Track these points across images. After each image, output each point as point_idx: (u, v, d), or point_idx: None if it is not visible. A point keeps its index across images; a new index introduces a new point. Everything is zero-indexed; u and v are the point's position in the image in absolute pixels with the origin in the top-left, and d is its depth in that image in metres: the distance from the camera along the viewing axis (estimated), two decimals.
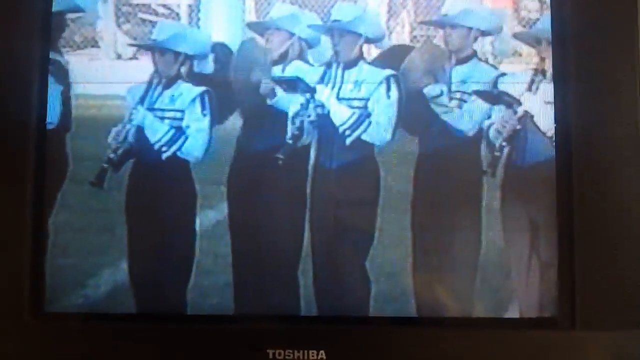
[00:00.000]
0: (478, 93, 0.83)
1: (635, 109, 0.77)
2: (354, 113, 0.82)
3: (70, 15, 0.81)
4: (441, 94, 0.82)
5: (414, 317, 0.79)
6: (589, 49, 0.78)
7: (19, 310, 0.76)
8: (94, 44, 0.82)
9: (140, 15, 0.82)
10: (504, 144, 0.82)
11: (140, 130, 0.81)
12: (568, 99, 0.79)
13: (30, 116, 0.78)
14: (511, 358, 0.71)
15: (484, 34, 0.83)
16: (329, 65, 0.82)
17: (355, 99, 0.82)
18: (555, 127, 0.80)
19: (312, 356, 0.74)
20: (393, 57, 0.83)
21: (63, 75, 0.81)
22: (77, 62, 0.81)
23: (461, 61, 0.83)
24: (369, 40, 0.83)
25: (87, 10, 0.82)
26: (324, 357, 0.74)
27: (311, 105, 0.81)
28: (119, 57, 0.82)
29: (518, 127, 0.82)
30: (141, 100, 0.81)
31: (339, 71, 0.82)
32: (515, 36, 0.83)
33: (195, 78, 0.82)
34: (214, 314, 0.80)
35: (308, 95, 0.81)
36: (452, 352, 0.73)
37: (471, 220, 0.81)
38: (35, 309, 0.77)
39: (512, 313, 0.77)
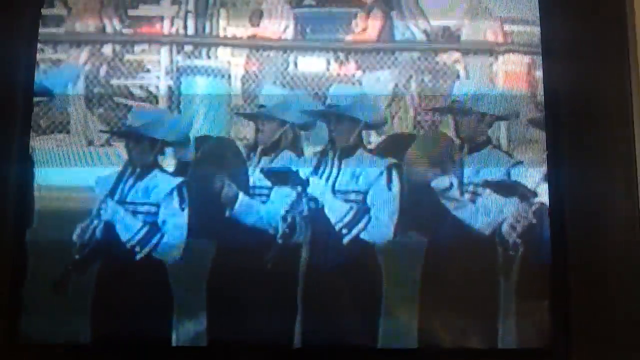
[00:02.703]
0: (491, 185, 0.74)
1: None
2: (351, 208, 0.72)
3: (35, 98, 0.73)
4: (451, 187, 0.73)
5: (412, 349, 0.70)
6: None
7: None
8: (62, 129, 0.73)
9: (115, 98, 0.74)
10: (518, 241, 0.73)
11: (109, 226, 0.71)
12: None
13: None
14: None
15: (499, 118, 0.75)
16: (323, 153, 0.73)
17: (352, 191, 0.73)
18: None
19: None
20: (395, 145, 0.74)
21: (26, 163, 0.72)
22: (42, 149, 0.72)
23: (474, 149, 0.75)
24: (368, 126, 0.74)
25: (55, 93, 0.73)
26: None
27: (304, 200, 0.72)
28: (90, 143, 0.73)
29: (534, 221, 0.73)
30: (111, 193, 0.72)
31: (335, 160, 0.73)
32: (532, 122, 0.75)
33: (174, 168, 0.73)
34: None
35: (300, 188, 0.72)
36: None
37: (486, 328, 0.71)
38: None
39: (509, 344, 0.70)
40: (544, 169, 0.73)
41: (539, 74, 0.75)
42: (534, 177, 0.74)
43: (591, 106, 0.72)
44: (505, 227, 0.73)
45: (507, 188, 0.74)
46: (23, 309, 0.70)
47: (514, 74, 0.75)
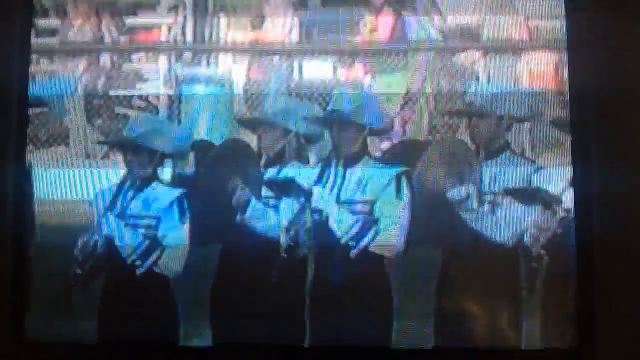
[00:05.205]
0: (512, 192, 0.68)
1: None
2: (357, 220, 0.68)
3: (34, 110, 0.71)
4: (468, 196, 0.68)
5: (430, 349, 0.66)
6: None
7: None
8: (61, 141, 0.71)
9: (114, 108, 0.72)
10: (542, 252, 0.67)
11: (110, 241, 0.69)
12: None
13: None
14: None
15: (519, 120, 0.69)
16: (327, 162, 0.69)
17: (358, 201, 0.68)
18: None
19: None
20: (404, 152, 0.69)
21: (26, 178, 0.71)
22: (41, 163, 0.71)
23: (491, 155, 0.69)
24: (373, 132, 0.69)
25: (53, 104, 0.71)
26: None
27: (307, 211, 0.68)
28: (88, 156, 0.71)
29: (559, 231, 0.67)
30: (111, 206, 0.70)
31: (339, 169, 0.69)
32: (555, 123, 0.69)
33: (174, 179, 0.70)
34: None
35: (303, 199, 0.68)
36: None
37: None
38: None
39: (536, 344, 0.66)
40: (568, 174, 0.67)
41: (565, 71, 0.69)
42: (558, 183, 0.67)
43: (622, 105, 0.65)
44: (527, 238, 0.67)
45: (529, 196, 0.68)
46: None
47: (538, 73, 0.70)
